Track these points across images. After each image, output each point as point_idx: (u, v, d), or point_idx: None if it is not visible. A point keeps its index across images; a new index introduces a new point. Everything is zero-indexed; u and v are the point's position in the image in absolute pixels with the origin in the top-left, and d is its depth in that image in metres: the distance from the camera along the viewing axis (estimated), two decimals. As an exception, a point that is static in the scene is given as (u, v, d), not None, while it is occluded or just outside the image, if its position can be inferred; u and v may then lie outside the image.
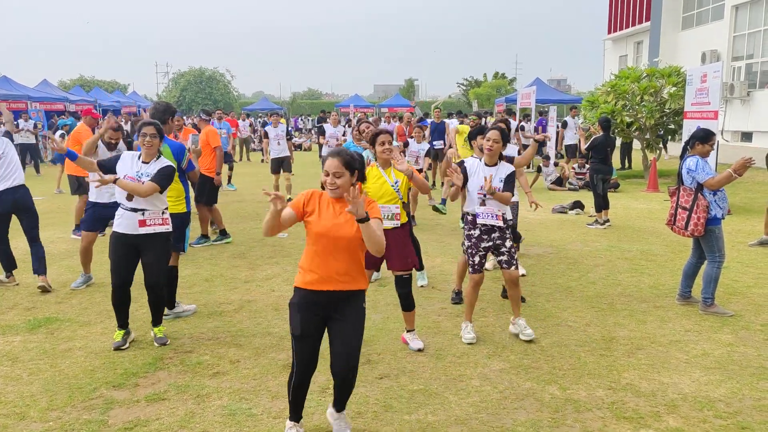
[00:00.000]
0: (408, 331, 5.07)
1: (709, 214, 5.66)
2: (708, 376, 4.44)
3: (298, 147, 18.59)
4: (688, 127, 12.32)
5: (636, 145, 18.24)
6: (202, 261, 7.80)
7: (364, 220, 3.18)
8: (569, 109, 19.94)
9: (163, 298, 5.17)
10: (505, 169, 5.13)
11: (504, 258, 5.07)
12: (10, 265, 6.81)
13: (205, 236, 8.92)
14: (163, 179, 4.90)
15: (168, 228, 5.05)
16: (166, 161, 5.03)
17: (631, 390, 4.23)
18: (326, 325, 3.48)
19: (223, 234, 9.02)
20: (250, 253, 8.29)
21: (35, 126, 19.84)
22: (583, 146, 11.03)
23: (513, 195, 5.16)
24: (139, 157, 4.98)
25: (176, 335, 5.26)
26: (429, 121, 16.96)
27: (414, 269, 5.20)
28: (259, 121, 31.54)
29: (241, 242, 8.97)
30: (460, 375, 4.45)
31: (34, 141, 19.22)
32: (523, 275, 7.21)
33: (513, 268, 5.05)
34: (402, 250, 4.96)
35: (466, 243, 5.15)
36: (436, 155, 14.51)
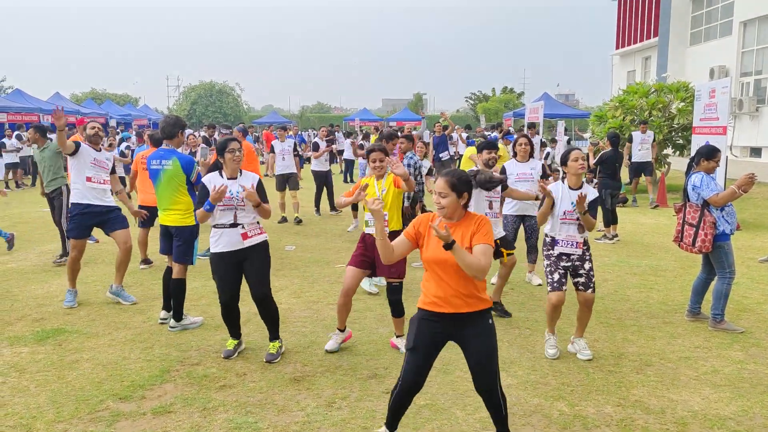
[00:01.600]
0: (397, 336, 5.25)
1: (716, 230, 5.63)
2: (718, 393, 4.39)
3: (307, 160, 18.49)
4: (697, 143, 12.30)
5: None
6: (211, 273, 7.79)
7: (449, 246, 3.18)
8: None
9: (272, 308, 5.08)
10: (591, 193, 5.02)
11: (581, 280, 5.00)
12: None
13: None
14: (265, 195, 5.02)
15: (266, 236, 5.09)
16: (251, 174, 5.06)
17: (640, 407, 4.19)
18: (459, 345, 3.47)
19: None
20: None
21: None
22: (592, 161, 11.02)
23: (595, 219, 5.02)
24: (221, 175, 4.94)
25: (183, 347, 5.27)
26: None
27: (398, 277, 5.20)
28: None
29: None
30: (468, 390, 4.42)
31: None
32: (539, 285, 7.21)
33: (590, 291, 4.99)
34: None
35: (546, 261, 5.11)
36: (442, 166, 14.54)
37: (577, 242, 4.96)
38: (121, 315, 6.17)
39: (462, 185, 3.37)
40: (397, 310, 5.17)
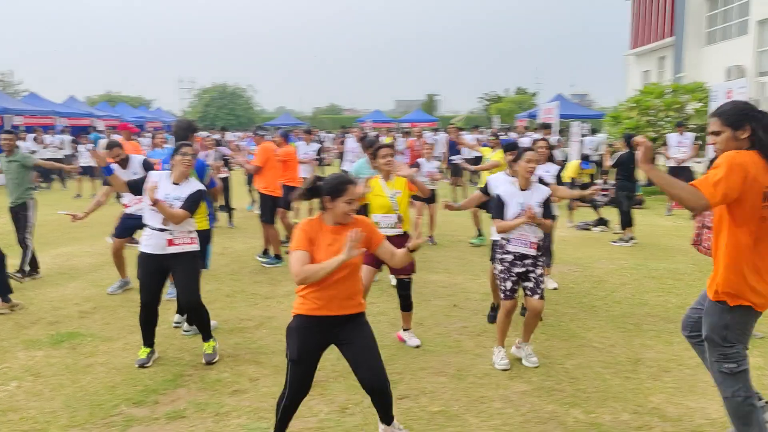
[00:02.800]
0: (404, 330, 5.43)
1: None
2: (738, 400, 4.31)
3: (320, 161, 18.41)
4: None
5: (660, 161, 18.03)
6: (224, 277, 7.82)
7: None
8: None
9: (202, 314, 5.10)
10: (541, 192, 4.89)
11: (530, 285, 4.86)
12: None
13: (278, 257, 8.58)
14: (193, 205, 4.91)
15: (195, 247, 5.05)
16: (196, 184, 5.02)
17: (658, 414, 4.12)
18: (339, 348, 3.53)
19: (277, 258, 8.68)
20: (271, 269, 8.29)
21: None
22: (607, 162, 10.91)
23: (553, 219, 4.96)
24: (168, 178, 4.97)
25: (197, 351, 5.26)
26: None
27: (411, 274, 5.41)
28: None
29: (262, 258, 8.98)
30: (482, 396, 4.38)
31: (61, 156, 19.50)
32: (555, 288, 7.12)
33: (537, 297, 4.83)
34: None
35: (498, 267, 4.95)
36: (456, 171, 14.44)
37: (530, 242, 4.80)
38: (135, 318, 6.14)
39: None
40: (407, 304, 5.39)
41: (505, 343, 5.04)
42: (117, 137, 10.35)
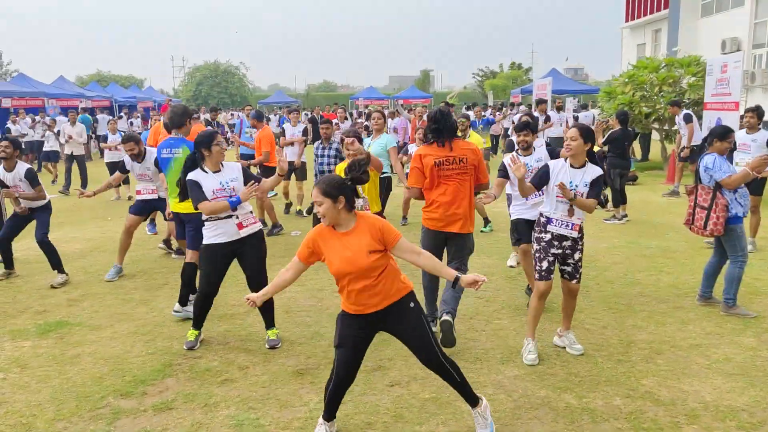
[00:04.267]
0: None
1: (729, 213, 5.48)
2: (730, 383, 4.29)
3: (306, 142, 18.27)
4: (708, 118, 12.06)
5: (654, 136, 17.93)
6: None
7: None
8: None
9: (271, 300, 4.99)
10: (592, 171, 4.63)
11: (568, 269, 4.72)
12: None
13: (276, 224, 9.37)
14: (251, 176, 5.03)
15: (260, 226, 5.08)
16: (232, 164, 5.08)
17: (650, 398, 4.09)
18: (393, 335, 3.57)
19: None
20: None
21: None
22: (600, 140, 10.81)
23: (599, 202, 4.72)
24: (204, 170, 4.89)
25: (185, 340, 5.20)
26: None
27: None
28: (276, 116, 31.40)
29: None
30: (473, 382, 4.31)
31: (40, 138, 19.15)
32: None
33: (575, 281, 4.74)
34: None
35: (535, 246, 4.80)
36: None
37: (573, 224, 4.64)
38: (123, 306, 6.13)
39: (334, 190, 3.32)
40: None
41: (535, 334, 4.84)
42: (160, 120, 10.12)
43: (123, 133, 9.22)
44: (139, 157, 7.09)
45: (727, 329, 5.26)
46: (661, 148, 16.60)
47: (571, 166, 4.68)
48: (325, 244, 3.42)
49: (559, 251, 4.70)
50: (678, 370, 4.50)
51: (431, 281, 5.26)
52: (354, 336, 3.49)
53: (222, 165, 4.96)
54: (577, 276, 4.75)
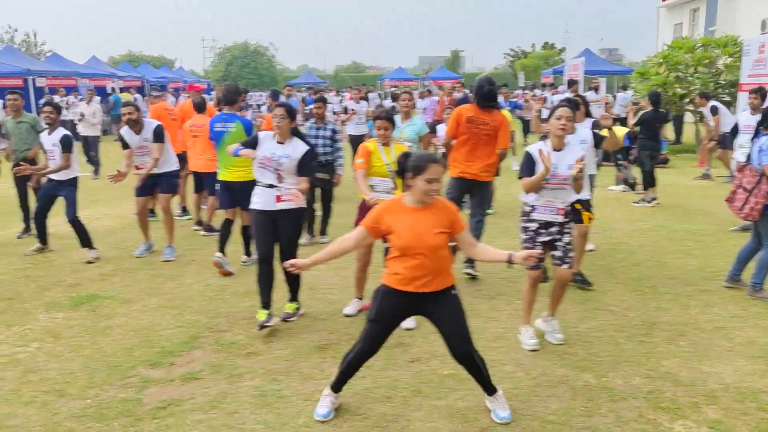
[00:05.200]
0: None
1: None
2: (752, 365, 4.26)
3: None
4: (744, 100, 11.77)
5: (688, 118, 17.57)
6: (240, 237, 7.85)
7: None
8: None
9: (298, 275, 5.13)
10: (574, 153, 4.52)
11: (558, 254, 4.60)
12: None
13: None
14: (310, 168, 5.16)
15: (302, 204, 5.07)
16: (301, 144, 5.04)
17: (670, 379, 4.09)
18: (428, 319, 3.60)
19: None
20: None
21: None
22: (631, 121, 10.65)
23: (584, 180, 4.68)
24: (273, 137, 5.03)
25: (213, 314, 5.34)
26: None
27: None
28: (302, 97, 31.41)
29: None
30: (493, 360, 4.37)
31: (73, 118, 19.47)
32: (591, 250, 6.94)
33: (566, 267, 4.63)
34: None
35: (522, 236, 4.73)
36: None
37: (557, 208, 4.56)
38: (154, 281, 6.29)
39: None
40: None
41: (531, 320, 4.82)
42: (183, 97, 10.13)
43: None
44: (137, 125, 6.96)
45: (752, 312, 5.20)
46: (695, 131, 16.26)
47: (554, 149, 4.55)
48: (394, 218, 3.45)
49: (548, 238, 4.62)
50: (700, 352, 4.48)
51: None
52: (392, 315, 3.54)
53: (290, 139, 5.02)
54: (568, 261, 4.61)
